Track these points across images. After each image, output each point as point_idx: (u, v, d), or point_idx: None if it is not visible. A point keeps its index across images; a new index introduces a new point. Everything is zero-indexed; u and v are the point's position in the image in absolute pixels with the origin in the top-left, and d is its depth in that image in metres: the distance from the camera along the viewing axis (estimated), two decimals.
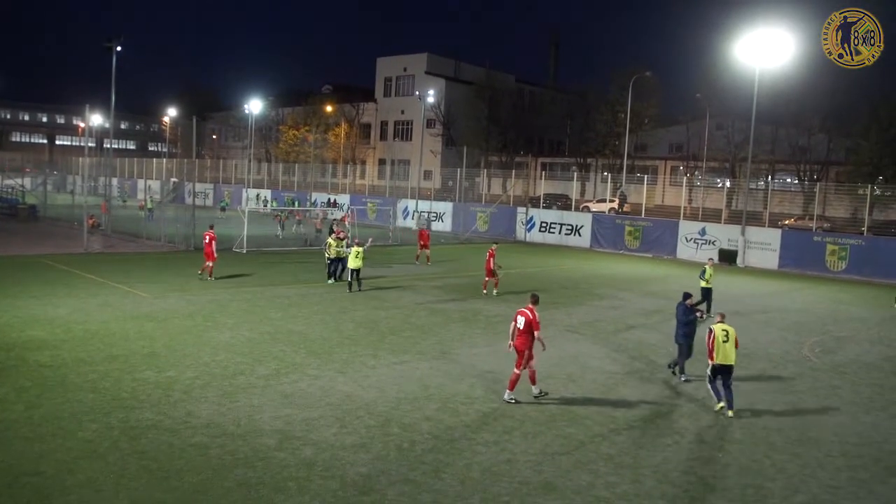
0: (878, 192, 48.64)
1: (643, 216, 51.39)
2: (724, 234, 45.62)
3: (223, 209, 61.41)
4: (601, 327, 22.60)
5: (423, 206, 61.76)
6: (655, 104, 73.02)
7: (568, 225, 53.93)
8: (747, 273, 41.29)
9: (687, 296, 17.28)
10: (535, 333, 14.17)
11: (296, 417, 12.71)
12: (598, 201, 62.40)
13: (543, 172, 71.28)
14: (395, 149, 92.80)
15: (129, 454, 10.81)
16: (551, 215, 55.89)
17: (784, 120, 61.31)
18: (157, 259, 33.66)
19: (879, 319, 27.08)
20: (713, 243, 45.76)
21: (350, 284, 26.50)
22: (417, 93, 78.20)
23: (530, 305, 14.54)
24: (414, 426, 12.64)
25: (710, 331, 14.47)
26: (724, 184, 60.66)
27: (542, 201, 59.70)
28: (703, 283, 25.33)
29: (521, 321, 14.33)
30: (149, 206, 58.43)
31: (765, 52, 42.21)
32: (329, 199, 67.60)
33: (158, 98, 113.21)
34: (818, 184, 52.81)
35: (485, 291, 27.75)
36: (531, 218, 56.10)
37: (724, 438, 12.95)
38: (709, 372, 14.55)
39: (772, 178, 63.63)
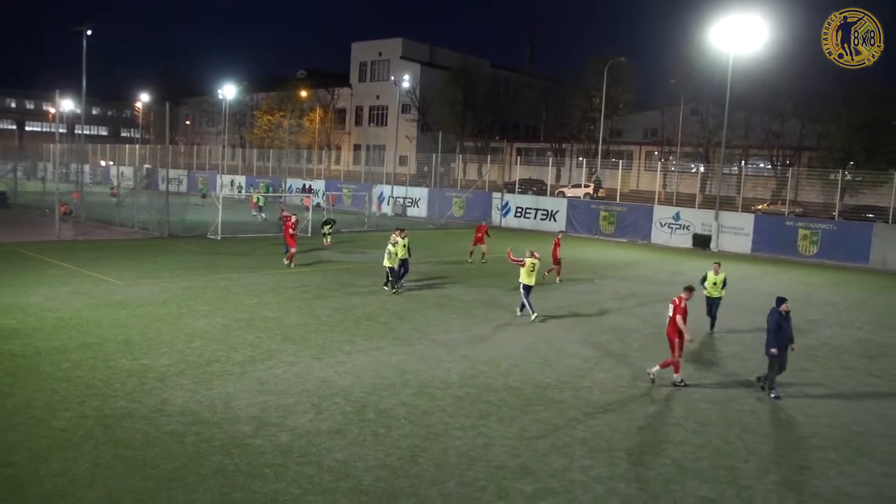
0: (848, 177, 49.20)
1: (618, 201, 51.70)
2: (698, 219, 45.99)
3: (204, 196, 60.92)
4: (576, 312, 22.73)
5: (399, 191, 61.67)
6: (630, 90, 73.28)
7: (543, 210, 54.11)
8: (721, 257, 41.52)
9: (781, 301, 14.99)
10: (677, 318, 14.90)
11: (272, 404, 12.70)
12: (574, 186, 62.59)
13: (519, 158, 71.54)
14: (370, 134, 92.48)
15: (104, 443, 10.76)
16: (527, 200, 56.04)
17: (757, 106, 61.72)
18: (130, 246, 33.37)
19: (850, 303, 27.45)
20: (687, 228, 46.15)
21: (394, 284, 24.17)
22: (392, 78, 77.92)
23: (682, 294, 15.46)
24: (390, 411, 12.67)
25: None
26: (698, 169, 61.02)
27: (517, 186, 59.78)
28: (704, 292, 21.21)
29: (670, 309, 15.26)
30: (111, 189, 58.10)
31: (738, 38, 42.52)
32: (304, 185, 67.29)
33: (131, 83, 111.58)
34: (791, 169, 53.39)
35: (558, 279, 28.37)
36: (506, 203, 56.19)
37: (697, 421, 13.09)
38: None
39: (745, 164, 64.20)
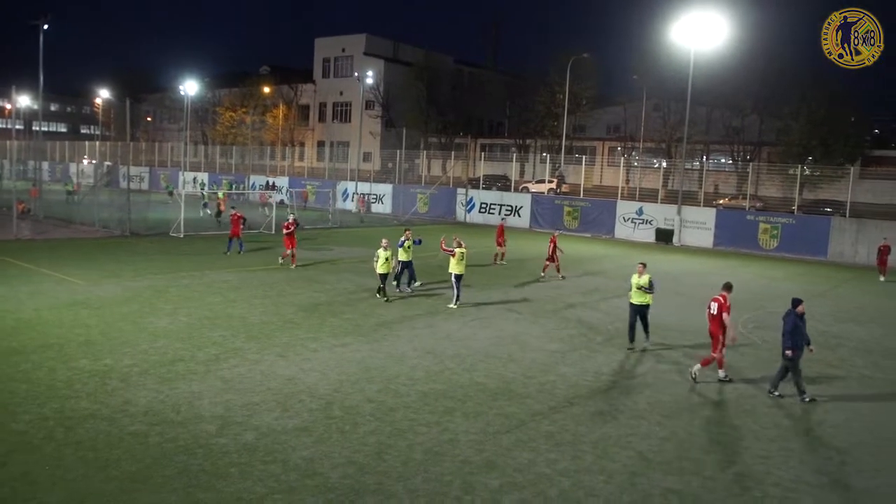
0: (807, 172, 50.03)
1: (581, 196, 52.01)
2: (661, 214, 46.47)
3: (171, 193, 60.25)
4: (541, 306, 22.85)
5: (363, 188, 61.48)
6: (593, 86, 73.61)
7: (507, 206, 54.33)
8: (683, 252, 42.13)
9: (797, 302, 14.75)
10: (724, 316, 15.19)
11: (236, 403, 12.62)
12: (537, 182, 62.82)
13: (483, 153, 71.64)
14: (334, 130, 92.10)
15: (65, 445, 10.62)
16: (491, 196, 56.21)
17: (718, 101, 62.51)
18: (91, 245, 32.90)
19: (809, 296, 27.82)
20: (650, 223, 46.59)
21: (385, 291, 22.89)
22: (356, 74, 77.58)
23: (724, 293, 15.58)
24: (356, 408, 12.66)
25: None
26: (660, 164, 61.64)
27: (481, 182, 59.88)
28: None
29: (713, 307, 15.44)
30: (68, 188, 57.27)
31: (699, 34, 42.99)
32: (268, 182, 66.82)
33: (90, 79, 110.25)
34: (751, 164, 54.06)
35: (543, 275, 28.57)
36: (471, 199, 56.32)
37: (661, 413, 13.24)
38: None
39: (707, 159, 64.90)
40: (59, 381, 13.38)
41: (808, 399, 14.21)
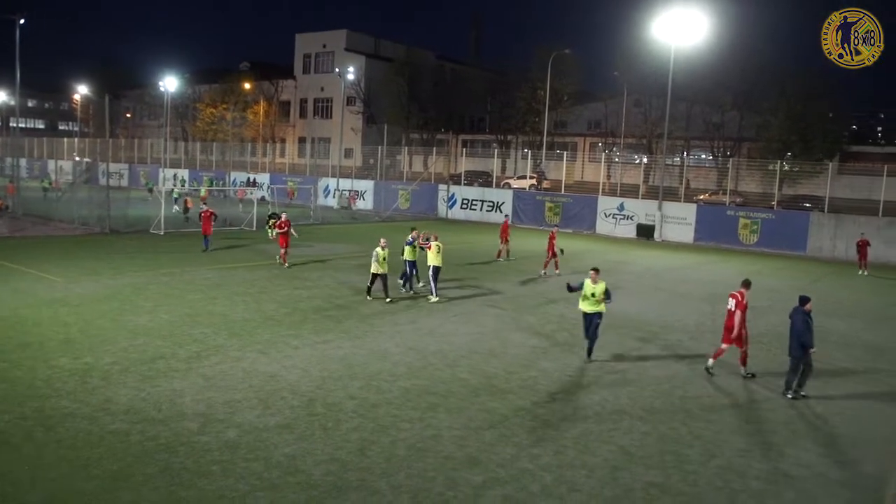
0: (786, 167, 50.44)
1: (563, 192, 52.14)
2: (642, 210, 46.68)
3: (150, 190, 59.82)
4: (522, 302, 22.90)
5: (345, 184, 61.36)
6: (574, 82, 73.79)
7: (489, 202, 54.39)
8: (664, 247, 42.36)
9: (805, 300, 14.70)
10: (737, 314, 15.29)
11: (218, 400, 12.57)
12: (519, 178, 62.98)
13: (464, 149, 71.64)
14: (315, 127, 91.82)
15: (45, 444, 10.54)
16: (473, 192, 56.25)
17: (698, 97, 62.83)
18: (70, 242, 32.63)
19: (790, 290, 28.07)
20: (631, 218, 46.80)
21: (387, 292, 22.12)
22: (337, 70, 77.39)
23: (742, 290, 15.57)
24: (338, 405, 12.64)
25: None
26: (641, 160, 61.90)
27: (463, 178, 59.94)
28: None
29: (731, 303, 15.55)
30: (44, 184, 56.78)
31: (679, 31, 43.17)
32: (249, 178, 66.54)
33: (69, 75, 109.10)
34: (731, 160, 54.48)
35: (544, 271, 28.65)
36: (453, 195, 56.33)
37: (643, 408, 13.31)
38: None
39: (687, 155, 65.29)
40: (38, 379, 13.27)
41: (791, 396, 14.25)
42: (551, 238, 29.06)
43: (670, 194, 47.84)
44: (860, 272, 33.61)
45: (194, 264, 27.23)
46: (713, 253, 40.06)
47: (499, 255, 32.69)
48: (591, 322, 16.35)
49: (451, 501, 9.40)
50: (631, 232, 46.43)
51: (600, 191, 50.62)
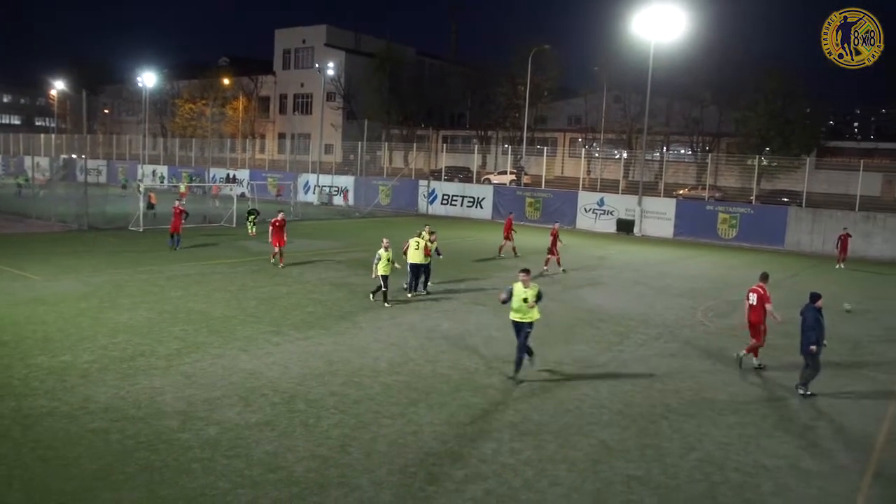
0: (765, 162, 50.82)
1: (543, 188, 52.29)
2: (622, 205, 46.92)
3: (124, 186, 59.39)
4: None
5: (325, 180, 61.22)
6: (555, 77, 73.87)
7: (470, 197, 54.46)
8: (644, 242, 42.59)
9: (816, 297, 14.54)
10: (767, 307, 15.62)
11: (198, 398, 12.52)
12: (499, 173, 63.07)
13: (445, 145, 71.71)
14: (294, 122, 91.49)
15: (23, 444, 10.45)
16: (453, 188, 56.30)
17: (678, 93, 63.16)
18: (48, 240, 32.34)
19: (767, 284, 28.29)
20: (611, 213, 47.01)
21: (385, 295, 21.15)
22: (317, 65, 77.06)
23: (761, 283, 16.04)
24: (319, 402, 12.63)
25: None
26: (621, 155, 62.21)
27: (443, 174, 59.95)
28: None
29: (753, 298, 15.91)
30: (19, 181, 56.20)
31: (659, 26, 43.41)
32: (228, 175, 66.23)
33: (45, 70, 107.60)
34: (710, 155, 54.76)
35: (546, 267, 28.40)
36: (433, 191, 56.35)
37: (623, 402, 13.39)
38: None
39: (667, 150, 65.57)
40: (15, 378, 13.16)
41: (808, 393, 14.15)
42: (553, 234, 28.90)
43: (650, 189, 48.09)
44: (837, 266, 33.94)
45: (174, 261, 27.08)
46: (692, 247, 40.32)
47: (500, 251, 32.63)
48: (521, 332, 14.41)
49: (433, 497, 9.42)
50: (611, 227, 46.64)
51: (580, 186, 50.82)
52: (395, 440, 11.13)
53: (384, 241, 21.24)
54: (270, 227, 27.00)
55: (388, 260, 20.84)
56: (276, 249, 26.76)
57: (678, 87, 61.68)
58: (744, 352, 16.24)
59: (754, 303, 15.86)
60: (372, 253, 21.83)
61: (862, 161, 44.20)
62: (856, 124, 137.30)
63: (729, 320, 21.24)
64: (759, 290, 15.90)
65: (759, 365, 16.10)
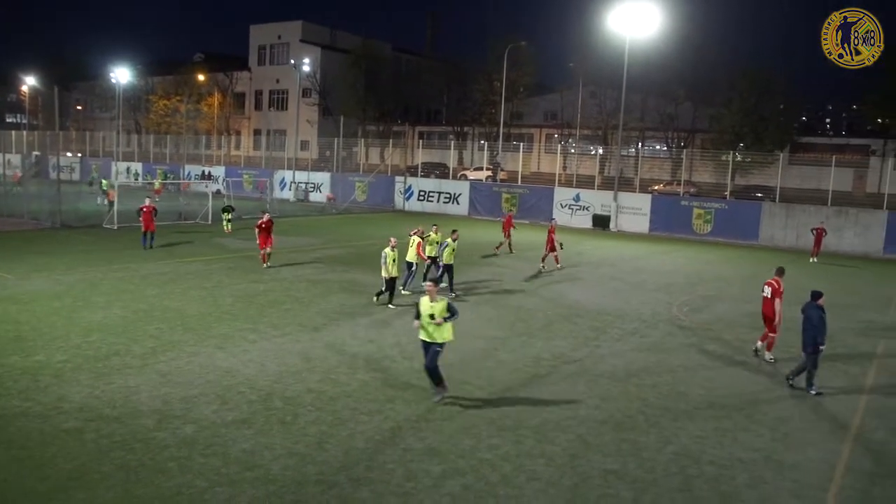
0: (739, 158, 51.26)
1: (519, 183, 52.38)
2: (598, 200, 47.14)
3: (90, 183, 58.72)
4: (480, 293, 22.97)
5: (301, 176, 60.97)
6: (530, 73, 73.96)
7: (446, 193, 54.46)
8: (620, 237, 42.82)
9: (818, 295, 14.63)
10: (776, 301, 15.91)
11: (174, 396, 12.44)
12: (476, 169, 63.15)
13: (421, 141, 71.47)
14: (270, 119, 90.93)
15: None
16: (429, 184, 56.28)
17: (653, 89, 63.47)
18: (20, 238, 31.96)
19: (741, 279, 28.61)
20: (587, 209, 47.19)
21: (391, 297, 20.77)
22: (293, 61, 76.75)
23: (776, 277, 16.27)
24: (296, 399, 12.59)
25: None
26: (596, 151, 62.44)
27: (420, 170, 59.88)
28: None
29: (767, 290, 16.25)
30: None
31: (634, 23, 43.63)
32: (203, 171, 65.77)
33: (15, 65, 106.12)
34: (685, 151, 55.12)
35: (542, 265, 28.33)
36: (409, 187, 56.30)
37: (600, 397, 13.46)
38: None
39: (642, 146, 65.94)
40: None
41: (815, 392, 14.09)
42: (550, 231, 28.83)
43: (625, 185, 48.33)
44: (811, 260, 34.34)
45: (149, 259, 26.86)
46: (668, 243, 40.59)
47: (498, 248, 32.63)
48: (429, 351, 12.76)
49: (411, 493, 9.43)
50: (587, 222, 46.84)
51: (556, 182, 50.97)
52: (373, 437, 11.12)
53: (391, 240, 20.61)
54: (256, 229, 26.10)
55: (394, 260, 20.24)
56: (264, 251, 25.98)
57: (653, 83, 62.00)
58: (759, 343, 16.72)
59: (768, 295, 16.24)
60: (350, 250, 21.80)
61: (834, 157, 44.78)
62: (828, 120, 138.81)
63: (704, 315, 21.41)
64: (774, 283, 16.25)
65: (771, 359, 16.37)
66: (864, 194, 52.78)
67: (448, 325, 12.57)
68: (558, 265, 28.62)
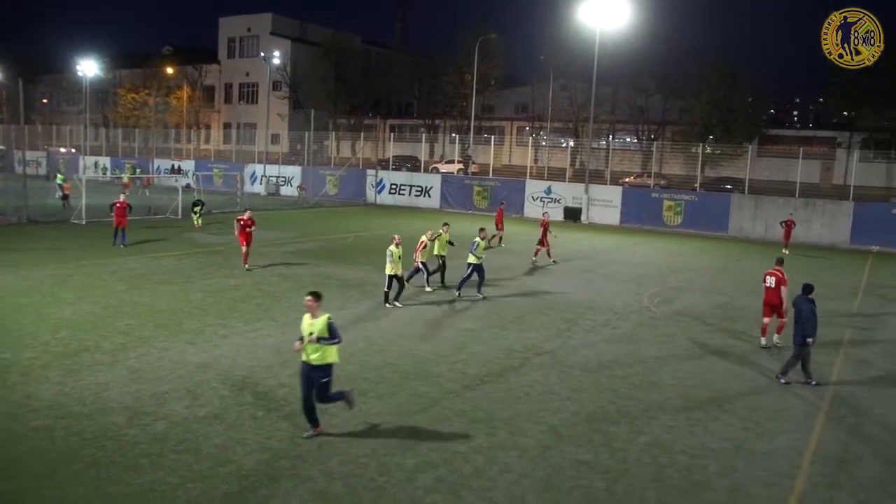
0: (708, 150, 51.72)
1: (491, 176, 52.48)
2: (569, 192, 47.34)
3: (48, 178, 57.90)
4: (452, 286, 22.95)
5: (272, 170, 60.60)
6: (501, 66, 73.97)
7: (417, 186, 54.43)
8: (591, 229, 43.05)
9: (810, 288, 14.58)
10: (782, 289, 16.60)
11: (145, 392, 12.34)
12: (447, 162, 63.16)
13: (392, 134, 71.49)
14: (240, 112, 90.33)
15: None
16: (401, 177, 56.21)
17: (623, 81, 63.81)
18: None
19: (711, 270, 28.90)
20: (559, 201, 47.36)
21: (398, 294, 20.22)
22: (262, 54, 76.04)
23: (778, 267, 17.00)
24: (268, 394, 12.55)
25: None
26: (567, 143, 62.68)
27: (391, 163, 59.77)
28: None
29: (770, 280, 16.86)
30: None
31: (604, 15, 43.82)
32: (173, 166, 65.16)
33: None
34: (655, 143, 55.50)
35: (535, 259, 28.43)
36: (381, 180, 56.18)
37: (572, 388, 13.54)
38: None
39: (613, 138, 66.26)
40: None
41: (814, 383, 14.19)
42: (543, 225, 28.86)
43: (596, 177, 48.59)
44: (784, 252, 34.72)
45: (118, 255, 26.58)
46: (639, 234, 40.88)
47: (492, 240, 32.40)
48: (309, 380, 10.64)
49: (385, 487, 9.44)
50: (558, 215, 47.01)
51: (528, 174, 51.13)
52: (346, 430, 11.11)
53: (395, 237, 20.16)
54: (237, 226, 24.98)
55: (400, 257, 19.69)
56: (244, 249, 24.86)
57: (623, 75, 62.37)
58: (776, 336, 17.10)
59: (772, 285, 16.75)
60: (322, 243, 21.71)
61: (801, 149, 45.32)
62: (795, 113, 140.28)
63: (675, 306, 21.61)
64: (778, 273, 16.81)
65: (766, 346, 17.04)
66: (831, 186, 53.54)
67: (332, 348, 10.61)
68: (551, 259, 28.68)
